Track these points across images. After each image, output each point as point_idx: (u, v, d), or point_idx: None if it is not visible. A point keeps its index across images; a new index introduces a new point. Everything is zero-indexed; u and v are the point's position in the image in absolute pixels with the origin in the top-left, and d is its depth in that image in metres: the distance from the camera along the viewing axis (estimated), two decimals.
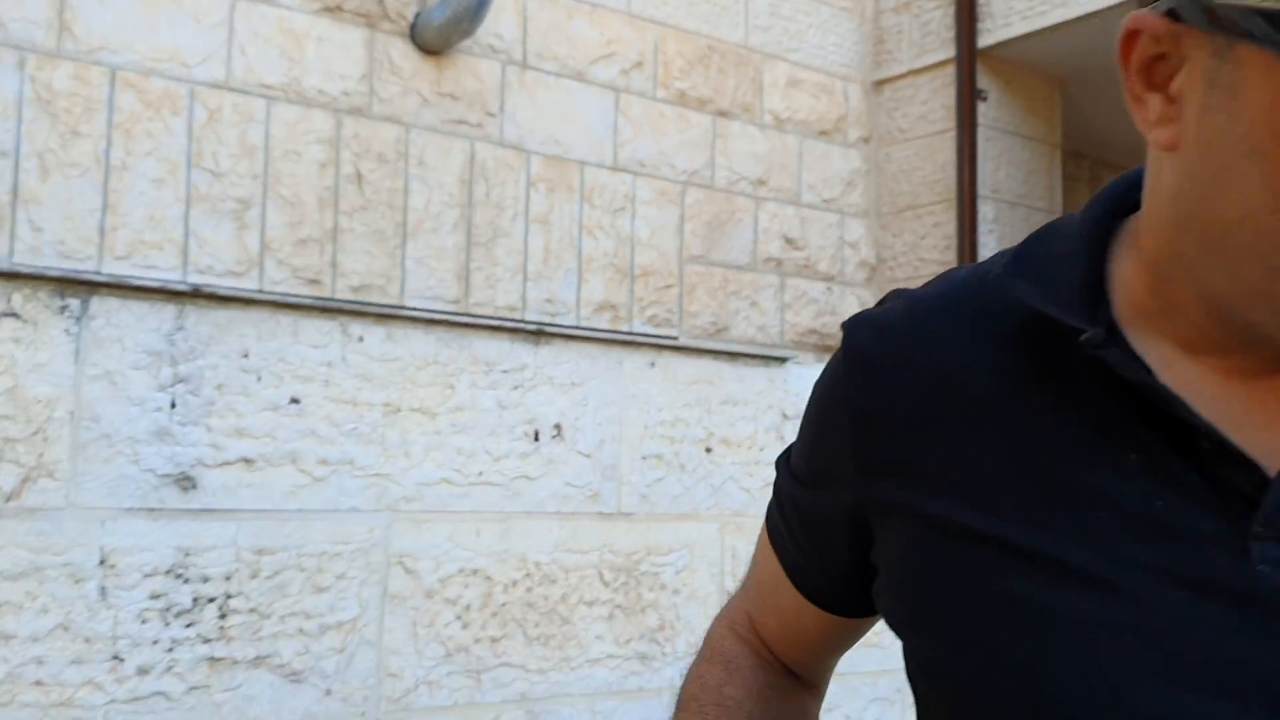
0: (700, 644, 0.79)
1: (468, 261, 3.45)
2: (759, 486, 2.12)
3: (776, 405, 2.15)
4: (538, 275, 3.54)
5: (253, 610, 1.64)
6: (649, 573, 1.99)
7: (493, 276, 3.48)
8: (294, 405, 1.69)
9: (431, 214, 3.39)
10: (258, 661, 1.64)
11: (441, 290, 3.38)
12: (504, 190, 3.51)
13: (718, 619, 0.79)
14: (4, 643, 1.47)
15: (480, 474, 1.84)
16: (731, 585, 2.07)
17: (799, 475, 0.69)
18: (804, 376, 2.19)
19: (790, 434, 2.12)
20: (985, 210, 4.42)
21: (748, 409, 2.12)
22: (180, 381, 1.60)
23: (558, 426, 1.91)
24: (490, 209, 3.48)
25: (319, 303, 1.76)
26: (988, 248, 4.35)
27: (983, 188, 4.37)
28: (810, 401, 0.69)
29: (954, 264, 4.37)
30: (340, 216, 3.26)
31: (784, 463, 0.71)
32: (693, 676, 0.75)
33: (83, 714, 1.51)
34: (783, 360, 2.17)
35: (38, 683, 1.49)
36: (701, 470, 2.06)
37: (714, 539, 2.06)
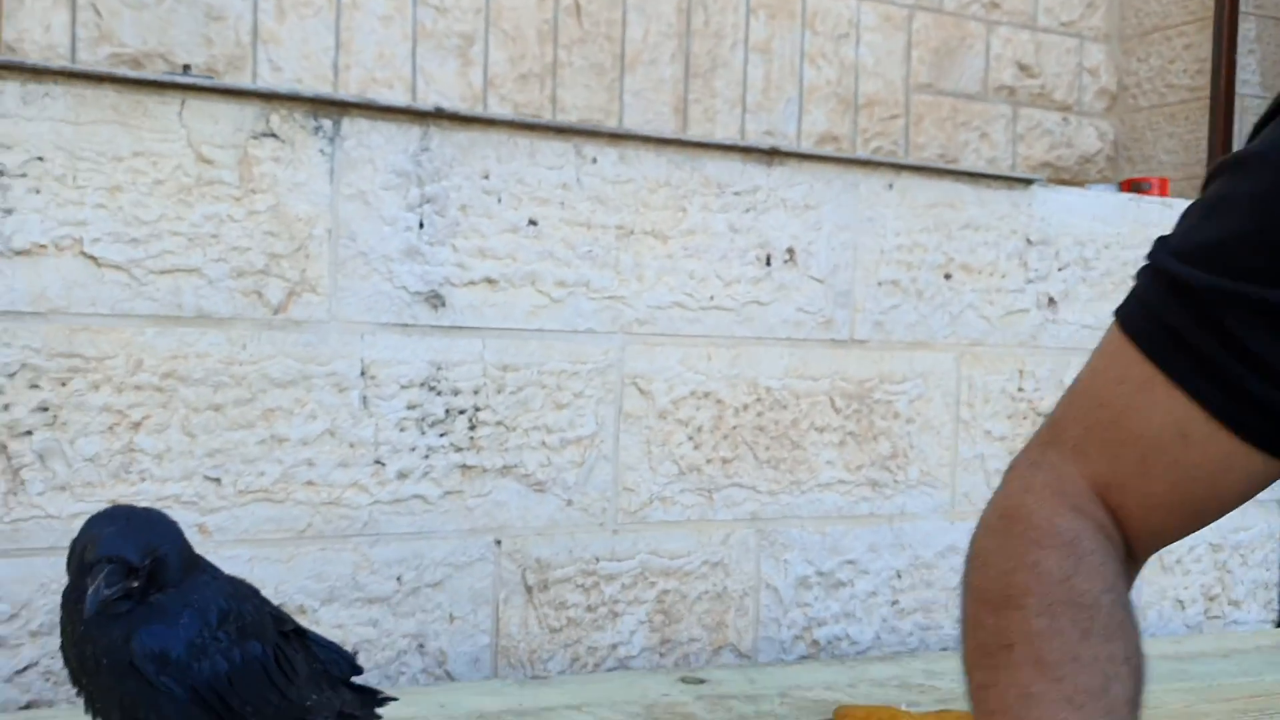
0: (991, 514, 0.66)
1: (685, 94, 3.39)
2: (999, 315, 2.04)
3: (1020, 230, 2.05)
4: (757, 107, 3.45)
5: (499, 423, 1.71)
6: (882, 401, 1.96)
7: (711, 109, 3.42)
8: (532, 227, 1.71)
9: (649, 45, 3.33)
10: (505, 471, 1.72)
11: (659, 124, 3.35)
12: (723, 18, 3.40)
13: (1030, 487, 0.65)
14: (278, 445, 1.58)
15: (711, 298, 1.83)
16: (967, 415, 2.02)
17: (1254, 268, 0.53)
18: (1049, 200, 2.07)
19: (1036, 261, 2.02)
20: (1246, 28, 4.01)
21: (989, 234, 2.02)
22: (427, 202, 1.65)
23: (790, 251, 1.88)
24: (709, 38, 3.40)
25: (554, 123, 1.76)
26: (1248, 70, 3.97)
27: (1245, 1, 3.95)
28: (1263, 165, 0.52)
29: (1206, 90, 4.01)
30: (559, 50, 3.24)
31: (1202, 260, 0.55)
32: (1021, 564, 0.62)
33: (349, 513, 1.62)
34: (1028, 183, 2.05)
35: (309, 483, 1.60)
36: (939, 297, 1.99)
37: (950, 369, 2.01)
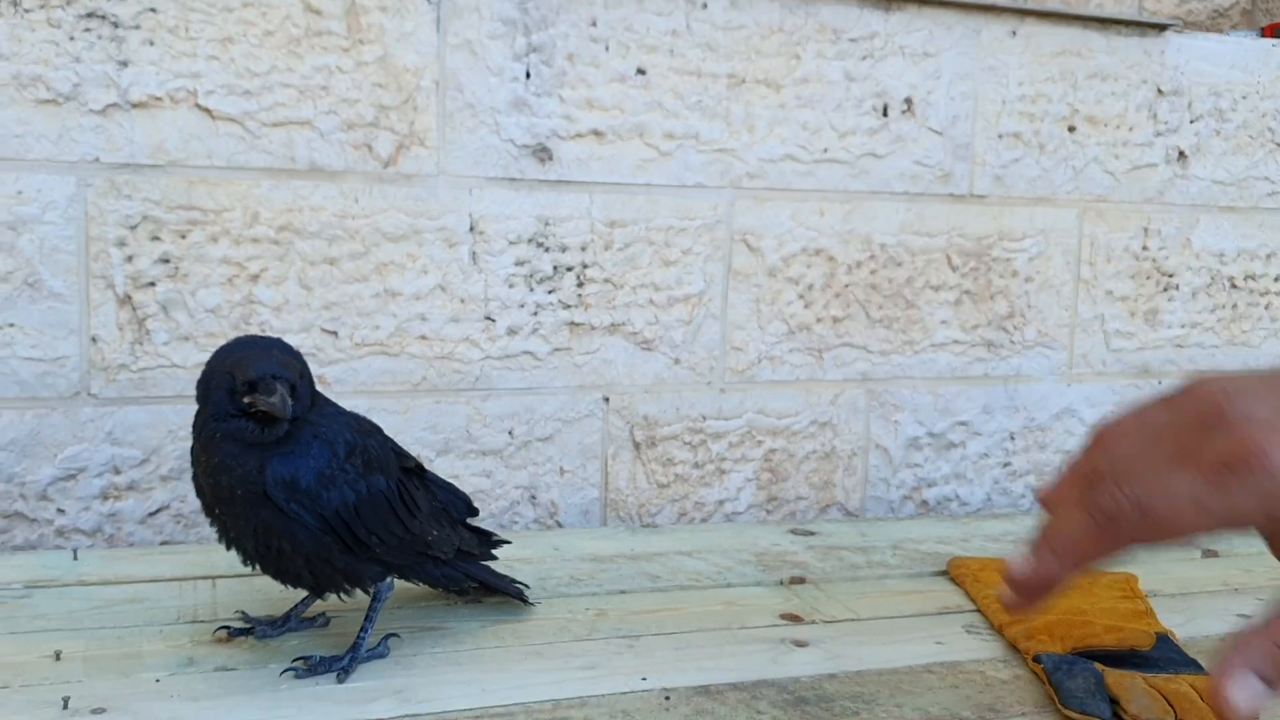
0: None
1: None
2: (1125, 170, 1.95)
3: (1151, 80, 1.94)
4: None
5: (607, 280, 1.70)
6: (1000, 258, 1.90)
7: None
8: (640, 76, 1.67)
9: None
10: (613, 329, 1.71)
11: None
12: None
13: None
14: (392, 299, 1.60)
15: (825, 151, 1.78)
16: (1088, 275, 1.95)
17: None
18: (1184, 47, 1.96)
19: (1167, 112, 1.92)
20: None
21: (1118, 84, 1.92)
22: (534, 51, 1.62)
23: (908, 101, 1.81)
24: None
25: None
26: None
27: None
28: None
29: None
30: None
31: None
32: None
33: (461, 367, 1.64)
34: (1162, 28, 1.93)
35: (422, 337, 1.62)
36: (1062, 151, 1.91)
37: (1072, 225, 1.93)
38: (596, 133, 1.66)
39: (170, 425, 1.52)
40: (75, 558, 1.39)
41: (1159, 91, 1.95)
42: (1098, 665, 1.14)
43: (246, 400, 1.04)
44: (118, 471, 1.51)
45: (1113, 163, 1.94)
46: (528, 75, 1.62)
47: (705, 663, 1.16)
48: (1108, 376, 1.99)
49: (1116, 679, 1.11)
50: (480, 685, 1.09)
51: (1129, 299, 1.98)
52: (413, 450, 1.62)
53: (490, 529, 1.33)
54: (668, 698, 1.08)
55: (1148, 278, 1.99)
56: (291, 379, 1.05)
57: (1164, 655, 1.18)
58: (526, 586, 1.32)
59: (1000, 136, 1.87)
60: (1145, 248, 1.98)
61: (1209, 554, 1.65)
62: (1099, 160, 1.93)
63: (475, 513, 1.30)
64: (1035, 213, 1.91)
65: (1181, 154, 1.98)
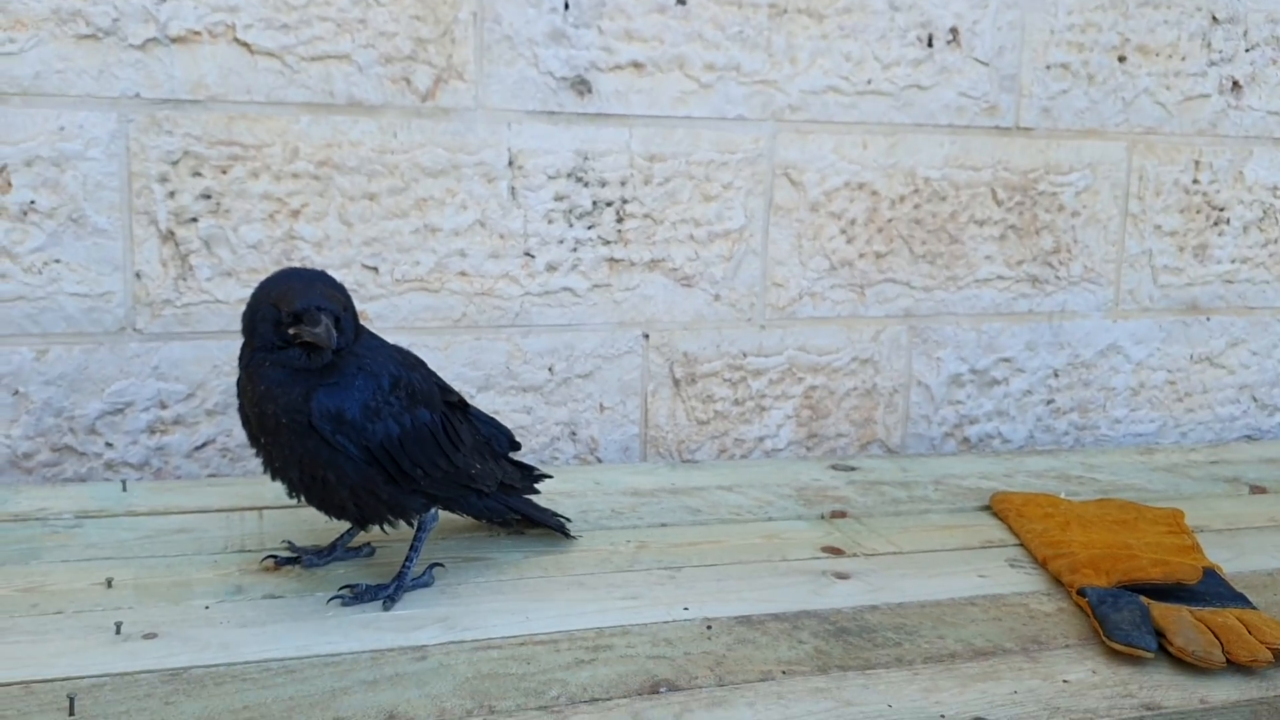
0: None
1: None
2: (1176, 101, 1.90)
3: (1205, 7, 1.88)
4: None
5: (646, 216, 1.68)
6: (1046, 193, 1.87)
7: None
8: (680, 7, 1.64)
9: None
10: (652, 265, 1.70)
11: None
12: None
13: None
14: (431, 235, 1.59)
15: (869, 82, 1.75)
16: (1137, 209, 1.91)
17: None
18: None
19: (1221, 41, 1.87)
20: None
21: (1171, 11, 1.87)
22: None
23: (953, 31, 1.77)
24: None
25: None
26: None
27: None
28: None
29: None
30: None
31: None
32: None
33: (501, 303, 1.64)
34: None
35: (462, 273, 1.62)
36: (1112, 82, 1.86)
37: (1120, 159, 1.89)
38: (636, 64, 1.64)
39: (215, 360, 1.54)
40: (124, 489, 1.41)
41: (1213, 19, 1.89)
42: (1143, 599, 1.13)
43: (291, 331, 1.04)
44: (164, 406, 1.53)
45: (1164, 94, 1.89)
46: (566, 6, 1.59)
47: (746, 594, 1.17)
48: (1155, 313, 1.96)
49: (1163, 612, 1.10)
50: (524, 614, 1.10)
51: (1178, 233, 1.94)
52: (454, 387, 1.63)
53: (532, 464, 1.34)
54: (709, 627, 1.09)
55: (1198, 212, 1.95)
56: (336, 310, 1.05)
57: (1211, 589, 1.17)
58: (568, 519, 1.33)
59: (1048, 67, 1.83)
60: (1196, 181, 1.94)
61: (1257, 490, 1.63)
62: (1150, 91, 1.89)
63: (517, 447, 1.30)
64: (1083, 146, 1.87)
65: (1235, 84, 1.93)
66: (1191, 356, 2.01)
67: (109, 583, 1.12)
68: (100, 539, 1.24)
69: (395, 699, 0.93)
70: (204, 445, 1.56)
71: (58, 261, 1.46)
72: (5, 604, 1.06)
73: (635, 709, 0.93)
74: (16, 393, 1.47)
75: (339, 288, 1.10)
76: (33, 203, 1.44)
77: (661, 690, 0.96)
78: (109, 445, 1.52)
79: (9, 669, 0.94)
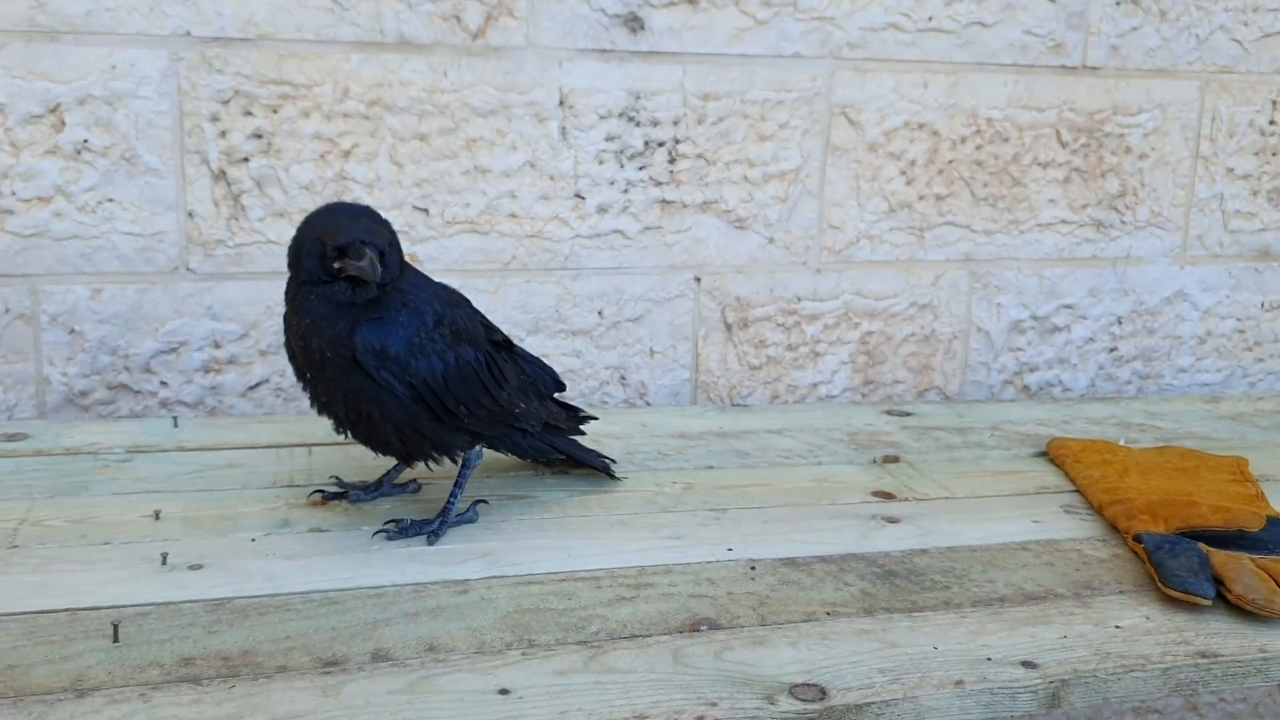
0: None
1: None
2: (1254, 38, 1.82)
3: None
4: None
5: (699, 156, 1.66)
6: (1113, 134, 1.80)
7: None
8: None
9: None
10: (705, 206, 1.68)
11: None
12: None
13: None
14: (482, 176, 1.58)
15: (930, 19, 1.69)
16: (1208, 151, 1.84)
17: None
18: None
19: None
20: None
21: None
22: None
23: None
24: None
25: None
26: None
27: None
28: None
29: None
30: None
31: None
32: None
33: (551, 245, 1.63)
34: None
35: (512, 215, 1.60)
36: (1185, 18, 1.79)
37: (1192, 99, 1.82)
38: (690, 0, 1.60)
39: (268, 301, 1.54)
40: (175, 425, 1.43)
41: None
42: (1202, 546, 1.10)
43: (336, 265, 1.04)
44: (218, 346, 1.54)
45: (1241, 30, 1.81)
46: None
47: (793, 536, 1.15)
48: (1224, 259, 1.89)
49: (1222, 559, 1.07)
50: (566, 551, 1.09)
51: (1251, 177, 1.87)
52: (503, 329, 1.62)
53: (578, 405, 1.33)
54: (753, 568, 1.07)
55: (1274, 154, 1.87)
56: (380, 245, 1.05)
57: (1275, 537, 1.13)
58: (613, 461, 1.32)
59: (1118, 3, 1.76)
60: (1273, 122, 1.86)
61: None
62: (1225, 28, 1.81)
63: (562, 387, 1.29)
64: (1153, 85, 1.80)
65: None
66: (1263, 304, 1.94)
67: (157, 515, 1.13)
68: (150, 473, 1.25)
69: (436, 630, 0.93)
70: (258, 385, 1.57)
71: (111, 200, 1.47)
72: (55, 534, 1.08)
73: (675, 646, 0.93)
74: (72, 331, 1.49)
75: (384, 223, 1.10)
76: (86, 141, 1.45)
77: (702, 628, 0.95)
78: (164, 384, 1.54)
79: (56, 596, 0.96)
